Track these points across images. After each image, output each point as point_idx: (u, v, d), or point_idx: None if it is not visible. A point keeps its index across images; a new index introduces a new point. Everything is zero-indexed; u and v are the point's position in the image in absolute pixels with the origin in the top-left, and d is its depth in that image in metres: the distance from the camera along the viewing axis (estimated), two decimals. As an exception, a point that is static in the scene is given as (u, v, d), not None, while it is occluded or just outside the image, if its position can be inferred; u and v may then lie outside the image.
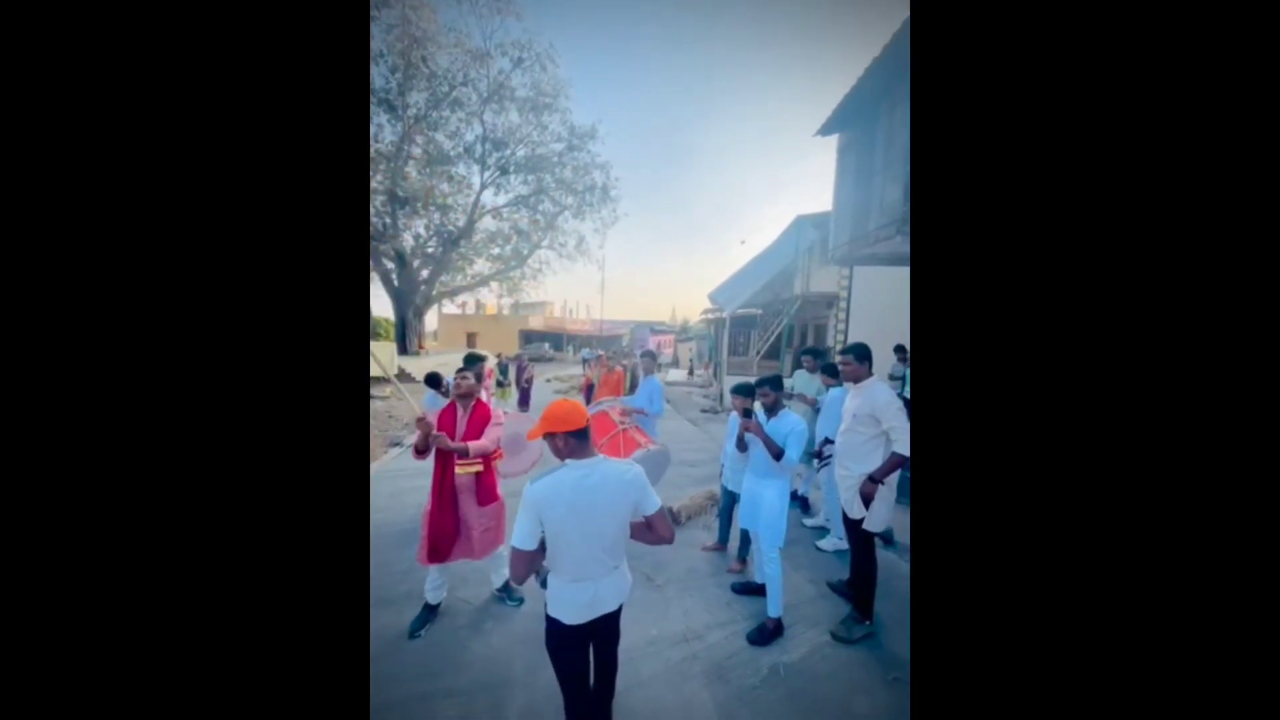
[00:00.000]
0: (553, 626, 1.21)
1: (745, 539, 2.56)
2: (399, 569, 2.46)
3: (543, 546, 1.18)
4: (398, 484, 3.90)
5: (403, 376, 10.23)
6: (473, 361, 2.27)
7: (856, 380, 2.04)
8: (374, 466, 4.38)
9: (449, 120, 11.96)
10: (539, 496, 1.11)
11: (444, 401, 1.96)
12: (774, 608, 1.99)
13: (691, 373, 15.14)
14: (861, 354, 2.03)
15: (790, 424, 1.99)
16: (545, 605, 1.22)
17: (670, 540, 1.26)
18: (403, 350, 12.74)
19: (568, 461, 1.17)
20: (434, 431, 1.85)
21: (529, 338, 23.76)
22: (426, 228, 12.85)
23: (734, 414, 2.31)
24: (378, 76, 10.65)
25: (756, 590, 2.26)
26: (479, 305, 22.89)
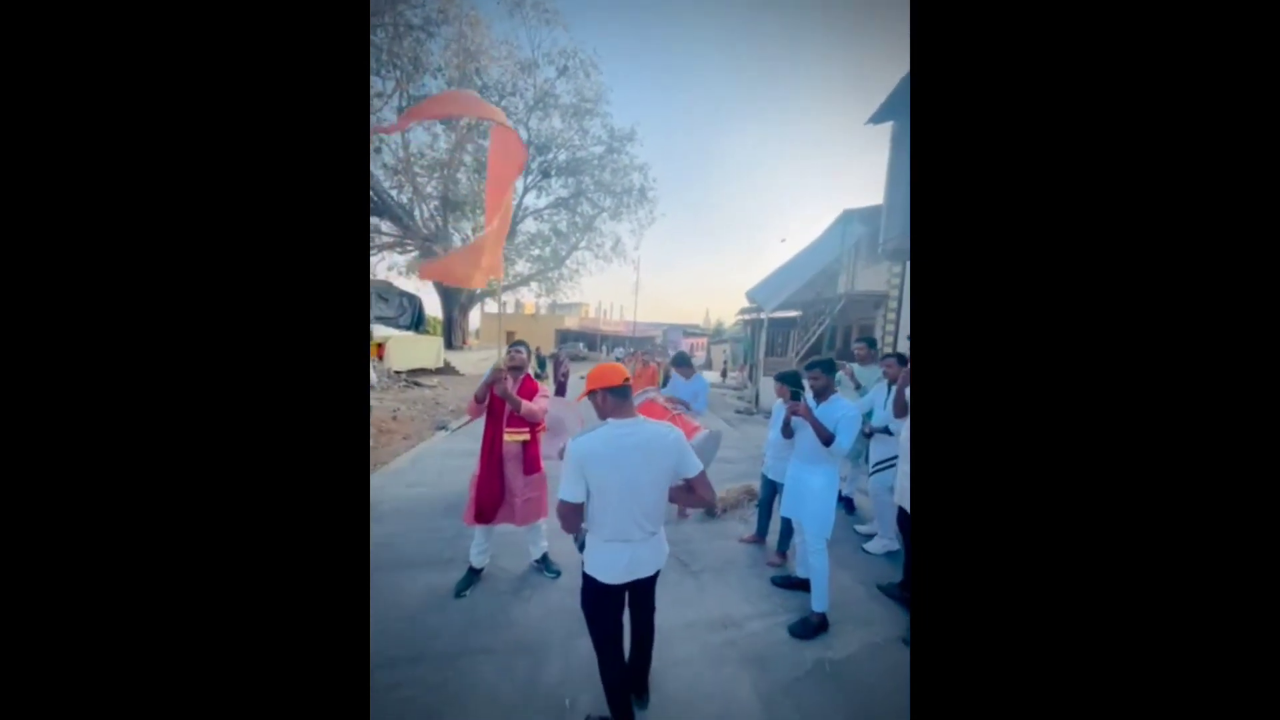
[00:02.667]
0: (590, 585, 1.22)
1: (786, 532, 2.45)
2: (446, 535, 2.59)
3: (585, 507, 1.19)
4: (444, 462, 4.13)
5: (448, 369, 10.85)
6: (522, 344, 2.38)
7: None
8: (422, 446, 4.67)
9: (497, 128, 12.67)
10: (582, 450, 1.14)
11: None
12: (819, 602, 1.88)
13: (725, 375, 14.85)
14: None
15: (841, 409, 1.89)
16: (583, 565, 1.23)
17: (712, 503, 1.24)
18: (449, 345, 13.53)
19: (609, 420, 1.19)
20: (503, 376, 1.95)
21: (564, 337, 24.41)
22: (473, 230, 13.59)
23: (779, 401, 2.23)
24: (435, 90, 11.48)
25: (798, 585, 2.15)
26: (518, 305, 23.86)
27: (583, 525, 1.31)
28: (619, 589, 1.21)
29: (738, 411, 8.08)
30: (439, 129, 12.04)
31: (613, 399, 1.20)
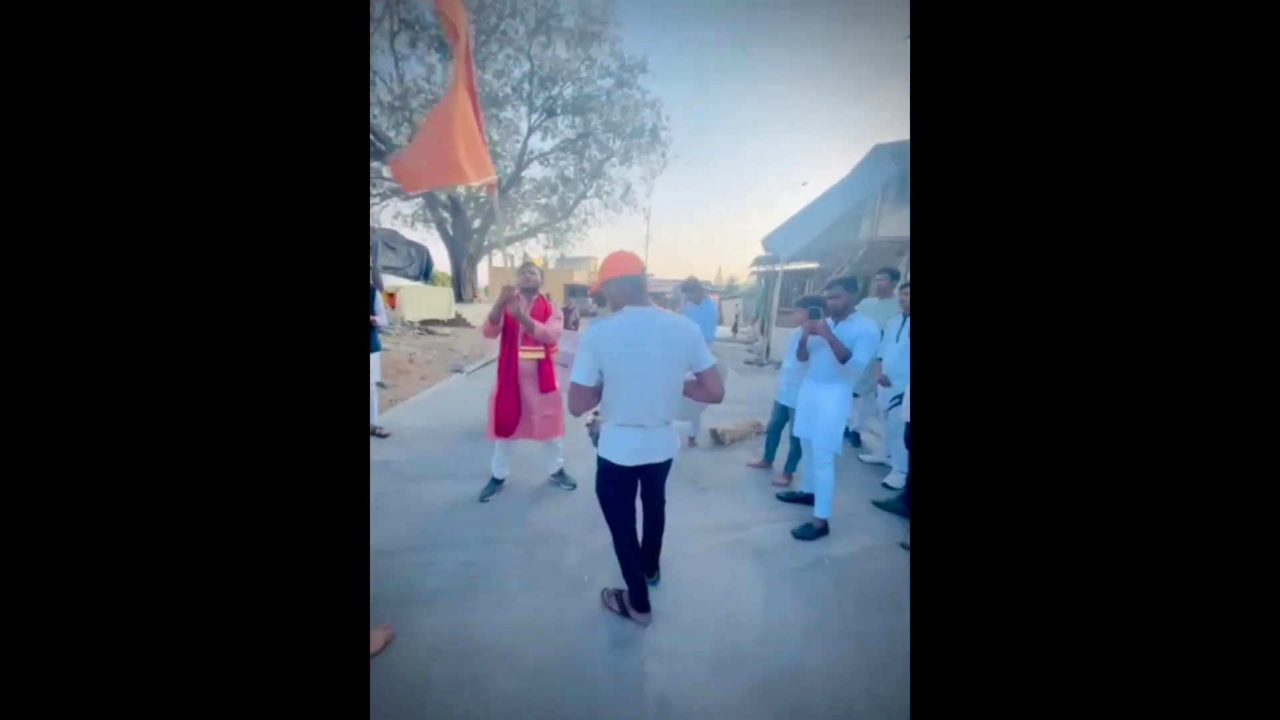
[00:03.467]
0: (604, 467, 1.28)
1: (794, 455, 2.52)
2: (464, 455, 2.75)
3: (598, 393, 1.23)
4: (462, 399, 4.30)
5: (459, 321, 10.94)
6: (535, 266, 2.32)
7: None
8: (439, 385, 4.83)
9: (496, 56, 11.65)
10: (598, 334, 1.15)
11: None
12: (822, 509, 1.98)
13: (735, 330, 14.71)
14: None
15: (860, 326, 1.86)
16: (598, 453, 1.29)
17: (720, 398, 1.26)
18: (459, 298, 13.55)
19: (626, 308, 1.18)
20: (513, 297, 1.96)
21: (573, 291, 24.14)
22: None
23: (798, 329, 2.20)
24: (428, 14, 10.46)
25: (802, 499, 2.25)
26: (525, 258, 23.49)
27: (597, 416, 1.35)
28: (631, 472, 1.27)
29: (747, 363, 8.09)
30: (435, 60, 11.14)
31: (628, 288, 1.19)
